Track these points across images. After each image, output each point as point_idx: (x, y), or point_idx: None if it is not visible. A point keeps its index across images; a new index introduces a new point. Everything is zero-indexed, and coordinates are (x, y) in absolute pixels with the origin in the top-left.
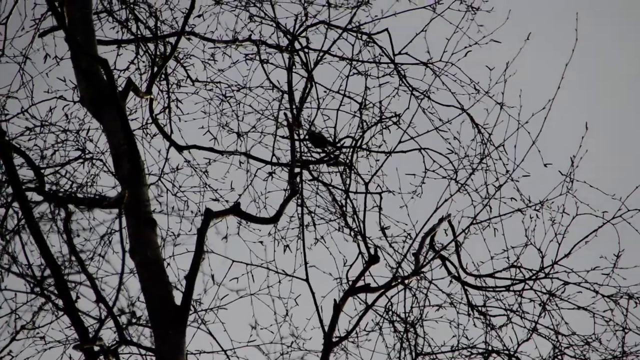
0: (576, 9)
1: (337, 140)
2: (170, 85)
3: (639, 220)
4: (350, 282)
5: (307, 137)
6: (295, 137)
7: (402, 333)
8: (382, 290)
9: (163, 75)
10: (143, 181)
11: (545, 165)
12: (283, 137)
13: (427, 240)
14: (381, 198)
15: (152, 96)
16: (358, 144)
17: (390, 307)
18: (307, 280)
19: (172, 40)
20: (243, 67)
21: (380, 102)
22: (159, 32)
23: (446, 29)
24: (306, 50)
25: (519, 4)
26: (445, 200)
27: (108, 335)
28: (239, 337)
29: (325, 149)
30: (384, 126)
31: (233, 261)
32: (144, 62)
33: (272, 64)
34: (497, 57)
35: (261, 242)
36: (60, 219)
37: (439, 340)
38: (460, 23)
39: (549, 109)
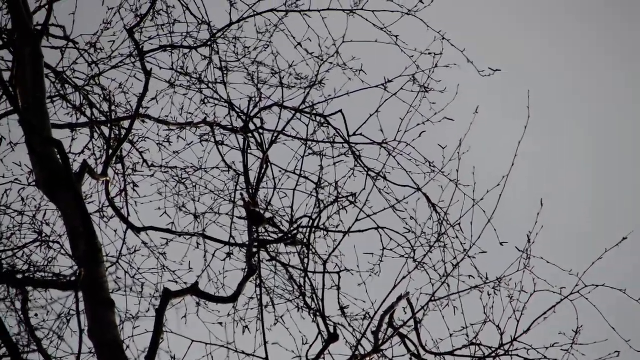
0: (527, 87)
1: (293, 220)
2: (125, 168)
3: (597, 296)
4: None
5: (246, 215)
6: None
7: None
8: None
9: (118, 158)
10: (100, 261)
11: (501, 244)
12: (240, 217)
13: (386, 318)
14: (339, 277)
15: (107, 178)
16: (315, 224)
17: None
18: (266, 359)
19: (127, 123)
20: (198, 148)
21: (336, 182)
22: (113, 115)
23: (399, 107)
24: (261, 131)
25: (471, 80)
26: (403, 278)
27: None
28: None
29: (264, 227)
30: (341, 206)
31: (192, 341)
32: (98, 146)
33: (227, 145)
34: (452, 134)
35: (220, 323)
36: (17, 300)
37: None
38: (414, 102)
39: (504, 186)
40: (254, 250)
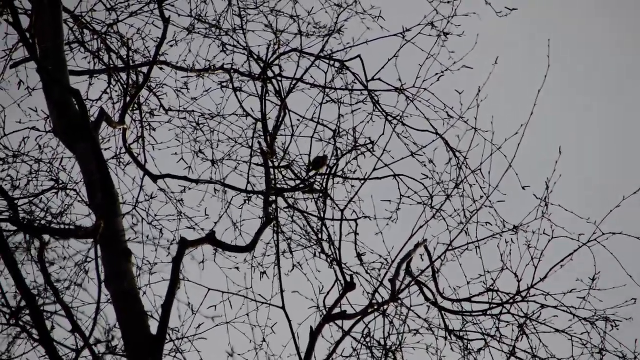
0: (548, 35)
1: (311, 168)
2: (143, 115)
3: (614, 244)
4: (327, 309)
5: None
6: (271, 165)
7: (380, 359)
8: (359, 317)
9: (136, 105)
10: (117, 211)
11: (523, 188)
12: (258, 164)
13: (404, 266)
14: (357, 224)
15: (125, 126)
16: (333, 171)
17: (368, 333)
18: (283, 308)
19: (145, 69)
20: (216, 95)
21: (354, 128)
22: (131, 61)
23: (418, 56)
24: (279, 78)
25: (491, 29)
26: (421, 227)
27: None
28: None
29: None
30: (359, 153)
31: (209, 289)
32: (116, 91)
33: (245, 92)
34: (470, 83)
35: (237, 268)
36: (35, 249)
37: None
38: (432, 50)
39: (523, 134)
40: (272, 198)
